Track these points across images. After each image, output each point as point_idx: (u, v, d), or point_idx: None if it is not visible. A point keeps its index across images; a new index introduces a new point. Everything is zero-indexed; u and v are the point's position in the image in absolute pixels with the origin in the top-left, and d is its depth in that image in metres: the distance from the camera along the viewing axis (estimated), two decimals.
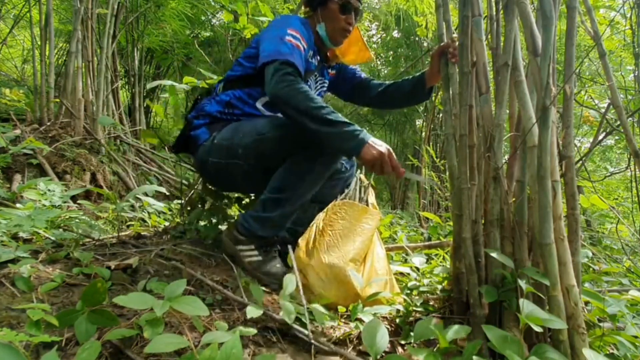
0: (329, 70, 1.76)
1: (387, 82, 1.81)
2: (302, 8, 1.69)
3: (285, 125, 1.44)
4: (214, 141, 1.50)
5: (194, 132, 1.57)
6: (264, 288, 1.39)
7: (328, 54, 1.70)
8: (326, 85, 1.77)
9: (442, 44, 1.32)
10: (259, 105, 1.58)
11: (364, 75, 1.86)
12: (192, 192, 1.86)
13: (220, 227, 1.74)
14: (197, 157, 1.58)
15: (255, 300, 1.12)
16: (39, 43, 2.91)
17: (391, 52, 6.28)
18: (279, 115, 1.55)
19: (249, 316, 1.05)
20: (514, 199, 1.08)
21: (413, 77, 1.72)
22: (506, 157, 1.14)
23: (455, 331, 0.95)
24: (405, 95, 1.74)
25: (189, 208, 1.82)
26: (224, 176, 1.56)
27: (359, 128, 1.30)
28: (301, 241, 1.53)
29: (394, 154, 1.28)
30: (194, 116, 1.60)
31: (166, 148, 4.04)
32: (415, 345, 1.04)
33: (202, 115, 1.58)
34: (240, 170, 1.50)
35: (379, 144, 1.27)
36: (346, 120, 1.30)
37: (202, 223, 1.81)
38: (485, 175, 1.12)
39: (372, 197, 1.74)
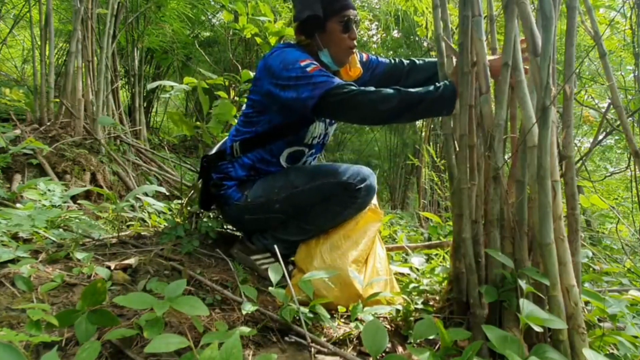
0: None
1: (417, 62, 1.65)
2: (296, 37, 1.55)
3: (317, 175, 1.47)
4: (248, 200, 1.51)
5: (224, 192, 1.56)
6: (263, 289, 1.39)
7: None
8: None
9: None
10: (282, 161, 1.58)
11: (384, 61, 1.69)
12: (192, 192, 1.85)
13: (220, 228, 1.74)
14: (230, 213, 1.59)
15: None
16: (39, 43, 2.91)
17: (391, 52, 6.28)
18: (304, 165, 1.59)
19: (244, 311, 1.05)
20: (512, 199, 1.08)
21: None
22: (506, 157, 1.14)
23: (456, 332, 0.95)
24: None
25: (189, 208, 1.82)
26: (262, 227, 1.58)
27: (439, 89, 1.23)
28: (303, 242, 1.53)
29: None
30: (220, 178, 1.58)
31: (166, 148, 4.04)
32: (415, 345, 1.04)
33: (229, 178, 1.57)
34: (279, 221, 1.54)
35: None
36: (427, 89, 1.24)
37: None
38: (485, 175, 1.12)
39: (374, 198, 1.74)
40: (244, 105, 1.62)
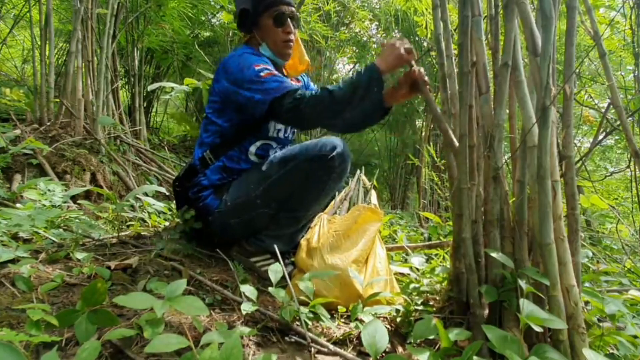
0: None
1: None
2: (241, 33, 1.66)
3: (287, 158, 1.47)
4: (228, 204, 1.50)
5: (202, 204, 1.54)
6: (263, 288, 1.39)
7: (284, 71, 1.66)
8: None
9: (413, 69, 1.39)
10: (251, 157, 1.57)
11: (314, 87, 1.79)
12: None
13: None
14: (215, 223, 1.54)
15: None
16: (39, 43, 2.91)
17: None
18: (272, 154, 1.57)
19: (244, 312, 1.05)
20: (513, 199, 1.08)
21: None
22: (506, 157, 1.14)
23: (456, 333, 0.95)
24: (362, 114, 1.61)
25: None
26: (252, 228, 1.55)
27: (362, 74, 1.35)
28: (303, 241, 1.53)
29: (401, 44, 1.34)
30: (194, 192, 1.56)
31: (166, 148, 4.04)
32: (415, 345, 1.04)
33: (203, 188, 1.55)
34: (267, 217, 1.52)
35: (385, 57, 1.35)
36: (351, 81, 1.36)
37: None
38: (485, 175, 1.12)
39: (374, 198, 1.74)
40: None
